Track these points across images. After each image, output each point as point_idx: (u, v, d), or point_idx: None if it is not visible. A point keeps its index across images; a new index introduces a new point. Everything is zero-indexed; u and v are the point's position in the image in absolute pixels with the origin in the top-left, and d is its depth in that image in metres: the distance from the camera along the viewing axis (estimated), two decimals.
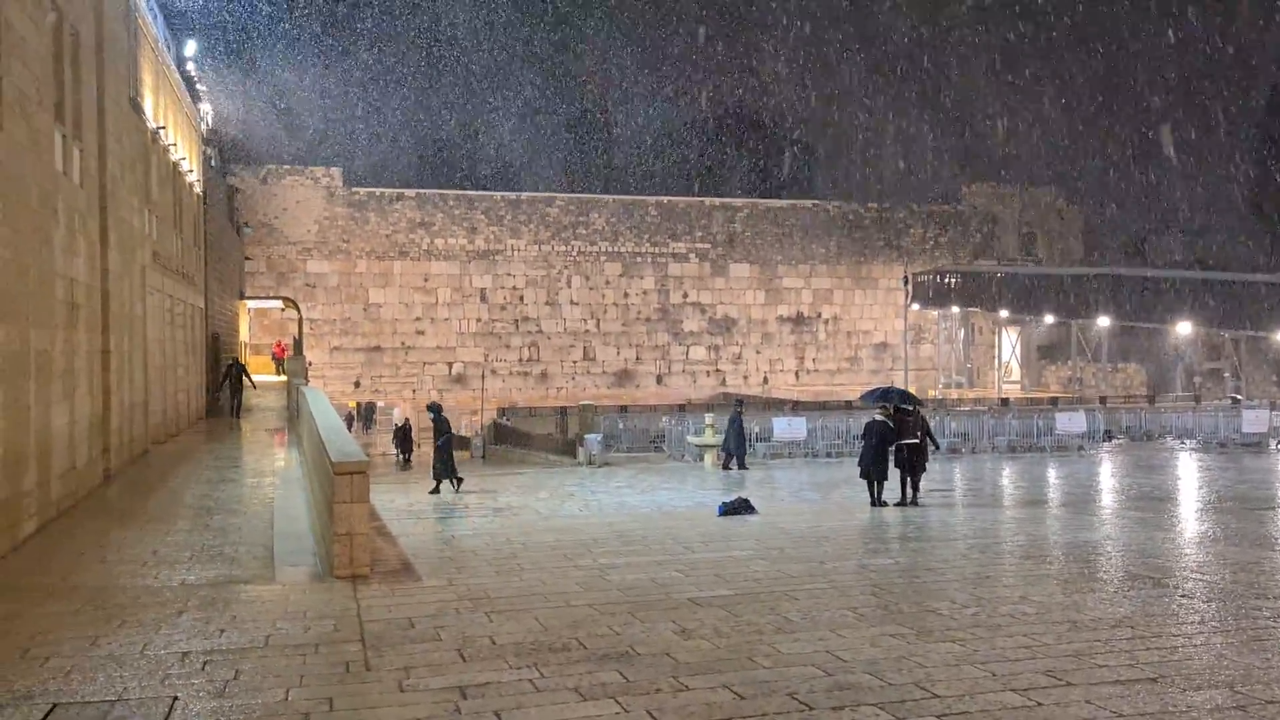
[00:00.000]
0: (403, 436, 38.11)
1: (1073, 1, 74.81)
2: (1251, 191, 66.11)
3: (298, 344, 44.41)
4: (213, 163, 36.41)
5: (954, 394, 56.12)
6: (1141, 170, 67.51)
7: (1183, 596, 9.28)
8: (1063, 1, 73.90)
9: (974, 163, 66.63)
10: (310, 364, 45.00)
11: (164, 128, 23.94)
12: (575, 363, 57.23)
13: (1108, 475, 24.24)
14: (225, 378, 30.35)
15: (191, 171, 28.84)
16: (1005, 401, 45.85)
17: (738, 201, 61.00)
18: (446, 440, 22.26)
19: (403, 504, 20.03)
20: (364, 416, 51.12)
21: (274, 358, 45.25)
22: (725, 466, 26.14)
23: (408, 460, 38.24)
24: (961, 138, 70.66)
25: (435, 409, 22.84)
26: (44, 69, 12.91)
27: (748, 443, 27.19)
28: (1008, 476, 24.17)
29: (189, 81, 30.10)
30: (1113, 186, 67.88)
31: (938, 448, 19.39)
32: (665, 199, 59.91)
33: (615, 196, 59.55)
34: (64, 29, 14.09)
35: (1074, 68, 72.36)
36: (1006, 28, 73.47)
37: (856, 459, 18.53)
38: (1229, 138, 69.35)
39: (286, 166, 54.09)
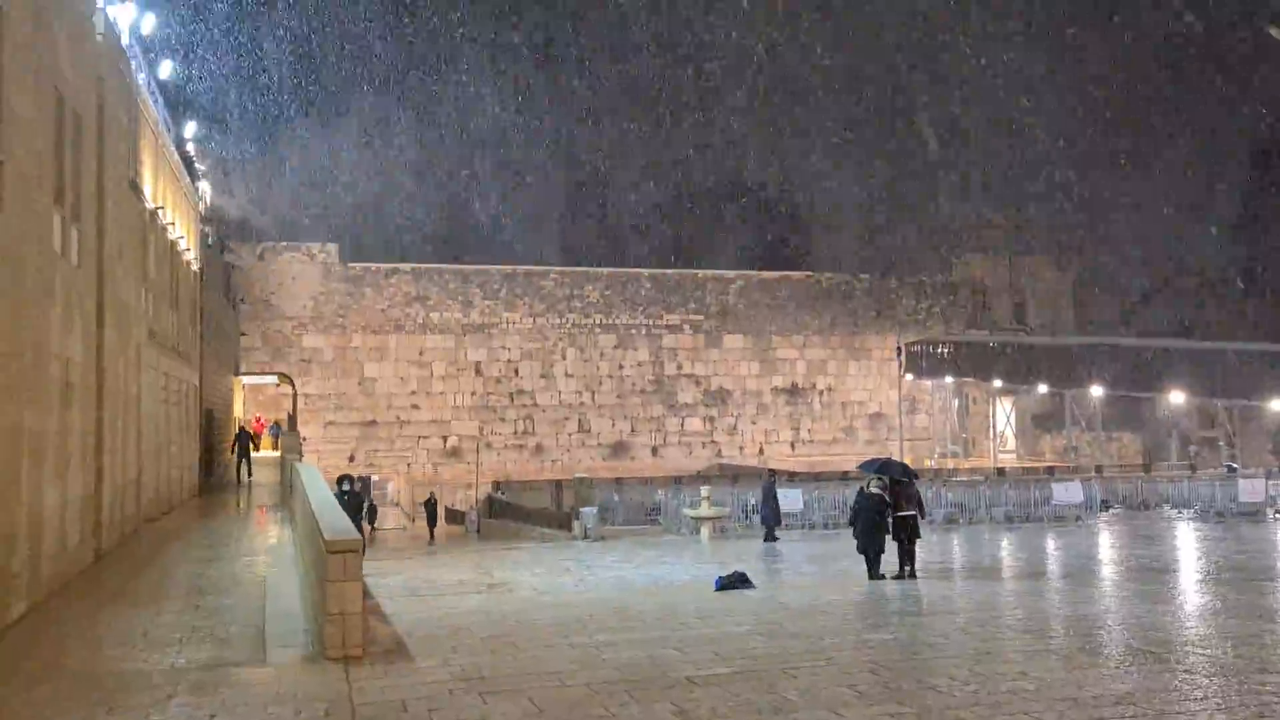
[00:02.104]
0: (431, 511, 39.79)
1: (1055, 77, 76.26)
2: (1240, 259, 66.84)
3: (292, 420, 44.31)
4: (210, 240, 36.73)
5: (950, 464, 56.00)
6: (1130, 239, 68.25)
7: (1185, 672, 9.19)
8: (1045, 77, 75.36)
9: (964, 233, 67.20)
10: (305, 439, 44.90)
11: (162, 207, 24.20)
12: (570, 435, 57.13)
13: (1106, 546, 24.11)
14: (235, 444, 33.49)
15: (189, 250, 29.08)
16: (1001, 471, 45.78)
17: (730, 273, 61.48)
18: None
19: (397, 581, 19.82)
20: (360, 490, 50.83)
21: (236, 435, 44.48)
22: (766, 540, 25.76)
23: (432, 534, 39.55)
24: (951, 209, 71.43)
25: (346, 481, 21.08)
26: (45, 151, 13.10)
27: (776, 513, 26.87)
28: (1006, 548, 24.03)
29: (188, 161, 30.50)
30: (1101, 255, 68.53)
31: (924, 518, 19.28)
32: (659, 272, 60.38)
33: (609, 269, 60.02)
34: (66, 112, 14.32)
35: (1060, 140, 73.57)
36: (995, 104, 74.87)
37: (851, 531, 18.38)
38: (1215, 205, 70.27)
39: (284, 243, 54.50)
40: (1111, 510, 32.81)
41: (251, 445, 34.92)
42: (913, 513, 17.59)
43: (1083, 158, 72.49)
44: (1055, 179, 68.43)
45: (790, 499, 29.69)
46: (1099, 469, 45.02)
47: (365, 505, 21.49)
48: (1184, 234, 67.18)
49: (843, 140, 75.54)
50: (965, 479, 41.48)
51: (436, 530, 41.13)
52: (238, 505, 27.92)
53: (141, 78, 22.19)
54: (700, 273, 60.98)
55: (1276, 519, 29.99)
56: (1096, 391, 51.32)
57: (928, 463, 55.79)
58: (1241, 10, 67.12)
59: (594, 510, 30.25)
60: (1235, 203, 70.79)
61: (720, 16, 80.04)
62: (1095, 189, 71.01)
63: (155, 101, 24.36)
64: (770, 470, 30.12)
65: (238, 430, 36.08)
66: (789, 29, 78.75)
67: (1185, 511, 32.19)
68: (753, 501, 30.09)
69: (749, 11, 77.27)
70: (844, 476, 40.19)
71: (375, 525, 45.05)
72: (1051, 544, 24.41)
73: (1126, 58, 74.39)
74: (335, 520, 11.53)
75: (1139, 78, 74.61)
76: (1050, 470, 45.71)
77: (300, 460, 26.39)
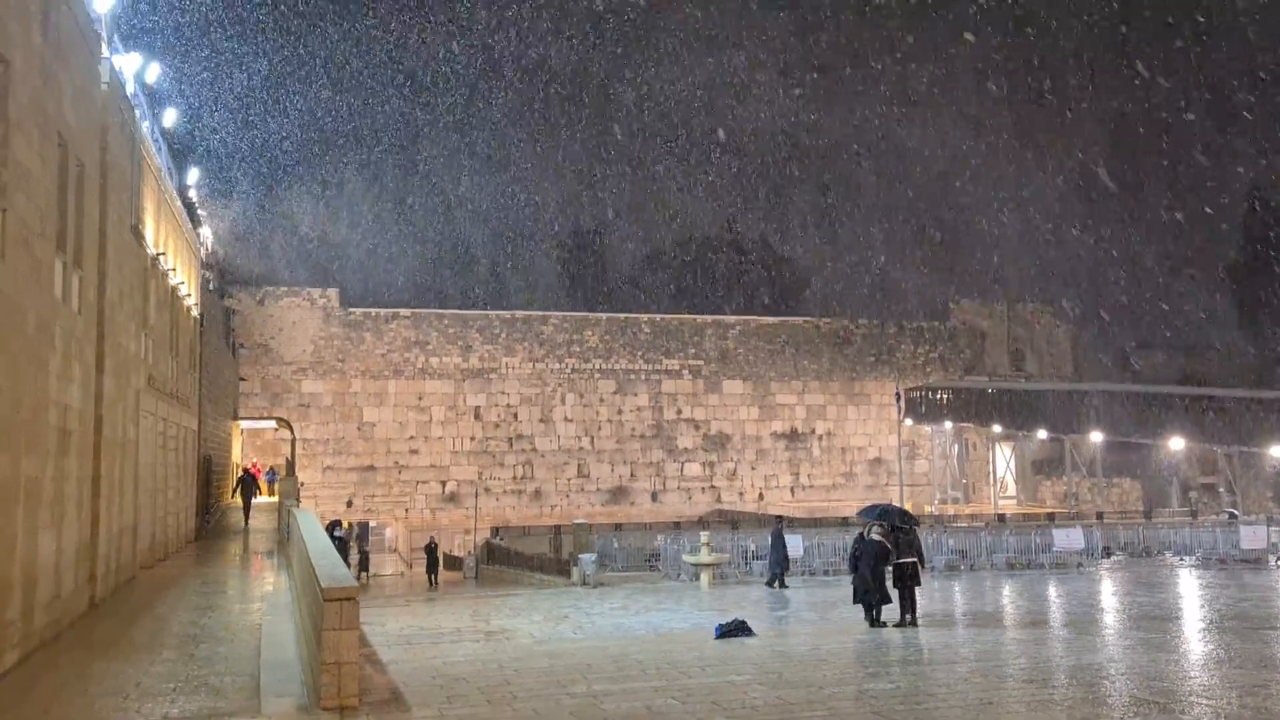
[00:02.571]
0: (431, 556, 39.71)
1: (1051, 129, 77.11)
2: (1237, 305, 67.08)
3: (290, 465, 44.11)
4: (211, 286, 36.89)
5: (950, 510, 55.79)
6: (1127, 286, 68.60)
7: None
8: (1042, 125, 76.17)
9: (961, 279, 67.73)
10: (302, 484, 44.70)
11: (163, 253, 24.32)
12: (569, 480, 56.95)
13: (1108, 593, 23.94)
14: (239, 484, 34.84)
15: (189, 295, 29.17)
16: (1002, 518, 45.53)
17: (729, 318, 61.68)
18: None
19: (394, 628, 19.65)
20: (358, 536, 50.56)
21: (240, 478, 44.18)
22: (769, 584, 25.91)
23: (434, 581, 39.46)
24: (948, 255, 71.91)
25: (336, 527, 21.22)
26: (48, 200, 13.19)
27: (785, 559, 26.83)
28: (1007, 595, 23.85)
29: (190, 207, 30.70)
30: (1099, 302, 68.90)
31: (924, 566, 19.16)
32: (658, 316, 60.59)
33: (608, 314, 60.23)
34: (69, 161, 14.44)
35: (1057, 186, 74.22)
36: (989, 149, 75.66)
37: (850, 577, 18.24)
38: (1211, 253, 70.71)
39: (284, 288, 54.72)
40: (1113, 557, 32.60)
41: (255, 489, 35.30)
42: (913, 560, 17.49)
43: (1079, 206, 73.05)
44: (1052, 228, 68.93)
45: (790, 545, 29.51)
46: (1100, 515, 44.80)
47: (359, 553, 21.39)
48: (1181, 281, 67.54)
49: (838, 195, 76.20)
50: (966, 525, 41.28)
51: (437, 576, 40.92)
52: (235, 552, 27.74)
53: (145, 125, 22.41)
54: (699, 318, 61.17)
55: (1279, 566, 29.80)
56: (1096, 437, 51.25)
57: (928, 509, 55.57)
58: (1235, 65, 67.99)
59: (593, 557, 30.05)
60: (1231, 250, 71.25)
61: (717, 73, 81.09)
62: (1092, 237, 71.48)
63: (158, 149, 24.56)
64: (779, 517, 30.08)
65: (241, 473, 36.43)
66: (783, 85, 79.72)
67: (1187, 558, 31.99)
68: (753, 547, 29.97)
69: (746, 70, 78.29)
70: (844, 522, 39.97)
71: (372, 572, 44.74)
72: (1053, 591, 24.23)
73: (1122, 106, 75.23)
74: (332, 567, 11.45)
75: (1135, 127, 75.38)
76: (1051, 516, 45.48)
77: (298, 506, 26.27)
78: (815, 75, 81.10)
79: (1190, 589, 24.43)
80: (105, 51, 17.50)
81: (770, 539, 26.80)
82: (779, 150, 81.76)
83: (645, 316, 60.38)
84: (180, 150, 30.26)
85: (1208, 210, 71.60)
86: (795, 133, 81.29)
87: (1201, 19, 69.14)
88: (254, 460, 49.37)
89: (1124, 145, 76.42)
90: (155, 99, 25.07)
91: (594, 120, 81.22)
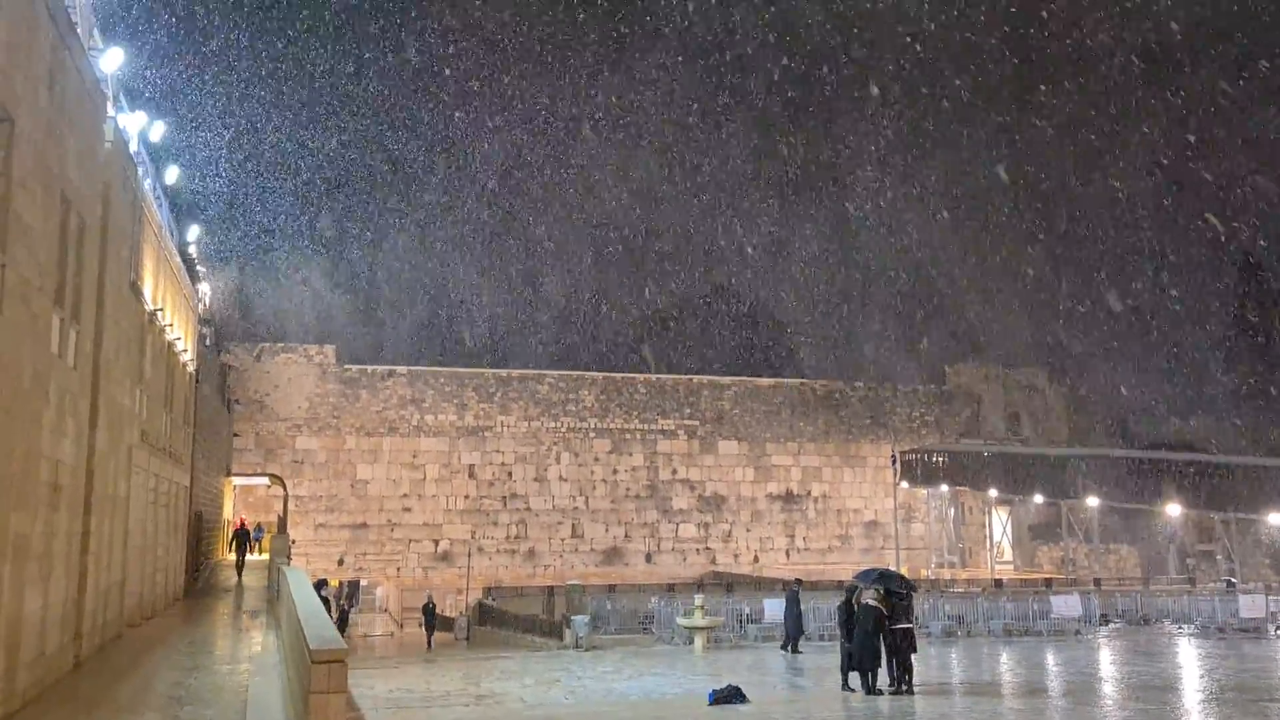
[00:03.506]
0: (429, 615, 39.42)
1: (1045, 199, 78.06)
2: (1230, 374, 67.29)
3: (281, 522, 43.79)
4: (208, 341, 36.92)
5: (947, 574, 55.36)
6: (1122, 352, 68.89)
7: None
8: (1035, 197, 77.13)
9: (957, 342, 67.99)
10: (294, 542, 44.30)
11: (161, 309, 24.38)
12: (563, 540, 56.53)
13: (1107, 662, 23.68)
14: (234, 539, 35.11)
15: (186, 351, 29.17)
16: (999, 583, 45.19)
17: (725, 379, 61.71)
18: None
19: (383, 691, 19.36)
20: (348, 595, 50.07)
21: (235, 533, 42.96)
22: (784, 648, 25.64)
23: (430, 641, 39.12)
24: (944, 318, 72.33)
25: (323, 587, 21.14)
26: (48, 255, 13.25)
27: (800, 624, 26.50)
28: (1005, 662, 23.59)
29: (189, 263, 30.85)
30: (1093, 367, 69.11)
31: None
32: (653, 376, 60.61)
33: (604, 374, 60.24)
34: (71, 218, 14.53)
35: (1051, 252, 74.97)
36: (984, 216, 76.52)
37: (840, 644, 18.01)
38: (1204, 321, 71.13)
39: (281, 344, 54.75)
40: (1111, 624, 32.31)
41: (249, 546, 35.49)
42: (910, 625, 17.32)
43: (1074, 270, 73.67)
44: (1046, 292, 69.45)
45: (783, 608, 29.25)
46: (1097, 582, 44.49)
47: (339, 611, 21.10)
48: (1176, 345, 67.85)
49: (833, 258, 76.87)
50: (962, 590, 40.99)
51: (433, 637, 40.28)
52: (223, 610, 27.40)
53: (148, 182, 22.60)
54: (695, 378, 61.20)
55: (1278, 636, 29.53)
56: (1092, 503, 51.07)
57: (924, 573, 55.16)
58: (1230, 122, 69.06)
59: (586, 619, 29.75)
60: (1226, 315, 71.68)
61: (712, 132, 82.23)
62: (1086, 301, 71.94)
63: (159, 205, 24.76)
64: (797, 580, 29.94)
65: (237, 527, 36.38)
66: (776, 145, 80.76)
67: (1186, 627, 31.71)
68: (748, 611, 29.73)
69: (740, 132, 79.42)
70: (840, 585, 39.59)
71: (361, 632, 44.19)
72: (1051, 659, 23.97)
73: (1116, 167, 76.22)
74: (321, 628, 11.31)
75: (1130, 190, 76.30)
76: (1048, 582, 45.17)
77: (289, 564, 26.01)
78: (805, 146, 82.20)
79: (1189, 659, 24.17)
80: (111, 110, 17.71)
81: (785, 602, 26.55)
82: (772, 212, 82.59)
83: (641, 376, 60.42)
84: (182, 206, 30.47)
85: (1203, 277, 72.24)
86: (789, 197, 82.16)
87: (1197, 83, 70.35)
88: (241, 517, 48.99)
89: (1118, 217, 77.33)
90: (159, 155, 25.32)
91: (592, 174, 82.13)
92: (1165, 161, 73.39)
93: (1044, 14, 73.49)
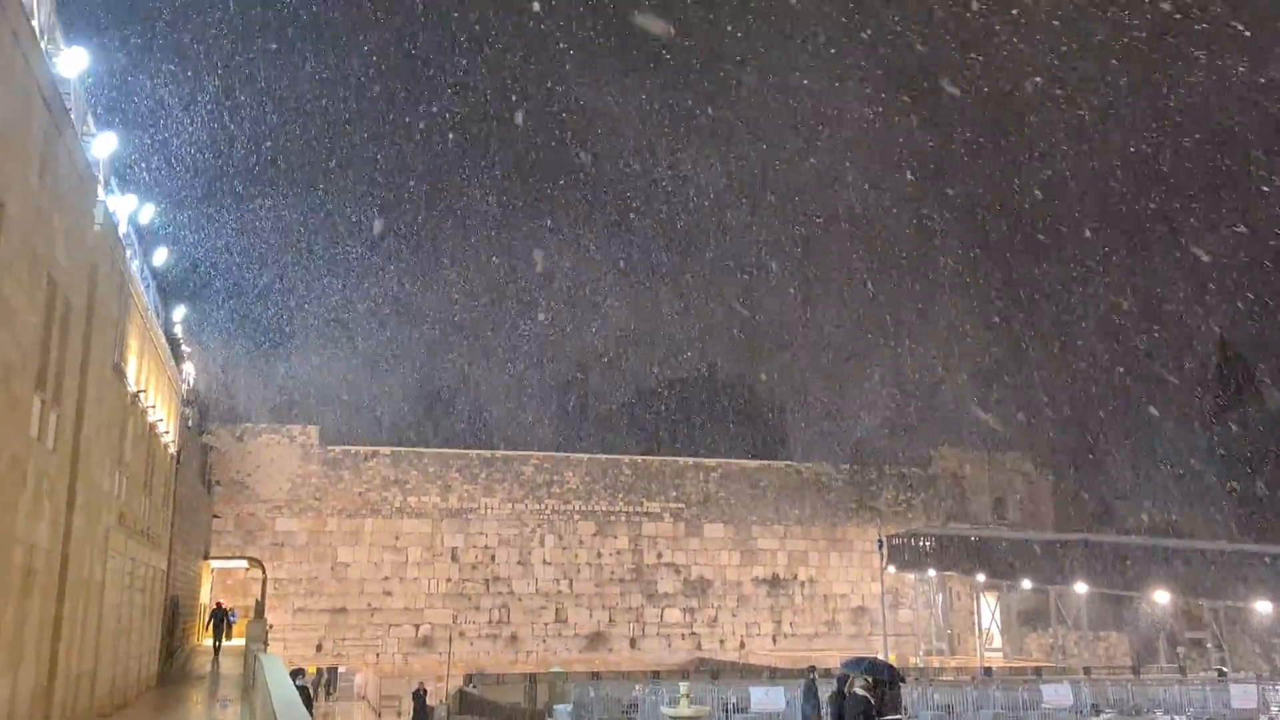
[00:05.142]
0: (420, 703, 38.60)
1: (1023, 291, 79.16)
2: (1215, 460, 67.49)
3: (259, 606, 42.99)
4: (190, 423, 36.68)
5: (935, 662, 54.61)
6: (1107, 439, 69.14)
7: None
8: (1016, 287, 78.21)
9: (941, 426, 68.11)
10: (271, 626, 43.50)
11: (144, 391, 24.24)
12: (547, 625, 55.66)
13: None
14: (211, 618, 35.42)
15: (168, 432, 28.94)
16: (988, 671, 44.55)
17: (710, 461, 61.49)
18: None
19: None
20: (326, 682, 48.88)
21: (213, 613, 41.59)
22: None
23: None
24: (928, 401, 72.62)
25: (299, 675, 20.61)
26: (32, 338, 13.20)
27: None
28: None
29: (174, 343, 30.79)
30: (1078, 454, 69.27)
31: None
32: (639, 458, 60.37)
33: (589, 455, 59.98)
34: (57, 299, 14.52)
35: (1031, 343, 75.76)
36: (968, 304, 77.40)
37: None
38: (1189, 404, 71.60)
39: (264, 425, 54.36)
40: (1102, 715, 31.80)
41: (226, 627, 35.30)
42: (899, 717, 16.99)
43: (1058, 359, 74.32)
44: (1030, 377, 69.91)
45: (772, 698, 28.76)
46: (1087, 670, 43.96)
47: (305, 698, 20.35)
48: (1159, 430, 68.12)
49: (818, 340, 77.44)
50: (951, 679, 40.41)
51: None
52: (197, 699, 26.72)
53: (135, 264, 22.66)
54: (680, 460, 60.98)
55: None
56: (1080, 589, 50.70)
57: (913, 660, 54.43)
58: (1207, 204, 70.41)
59: (568, 708, 29.17)
60: (1206, 399, 72.15)
61: (700, 213, 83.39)
62: (1071, 387, 72.41)
63: (146, 287, 24.79)
64: (811, 668, 29.42)
65: (214, 608, 36.23)
66: (769, 229, 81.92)
67: (1178, 717, 31.24)
68: (734, 700, 29.21)
69: (730, 214, 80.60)
70: (827, 674, 38.96)
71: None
72: None
73: (1096, 254, 77.37)
74: None
75: (1108, 273, 77.38)
76: (1038, 670, 44.58)
77: (265, 650, 25.48)
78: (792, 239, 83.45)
79: None
80: (101, 194, 17.82)
81: (802, 691, 25.96)
82: (759, 296, 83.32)
83: (626, 458, 60.17)
84: (168, 287, 30.52)
85: (1185, 364, 72.88)
86: (778, 284, 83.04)
87: (1164, 163, 71.90)
88: (218, 601, 48.15)
89: (1094, 306, 78.37)
90: (147, 237, 25.43)
91: (574, 269, 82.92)
92: (1144, 248, 74.64)
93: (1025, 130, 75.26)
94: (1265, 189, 65.87)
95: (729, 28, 76.77)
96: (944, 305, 78.64)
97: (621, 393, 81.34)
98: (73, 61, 15.38)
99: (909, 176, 78.26)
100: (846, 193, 79.55)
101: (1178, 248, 71.54)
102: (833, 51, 72.52)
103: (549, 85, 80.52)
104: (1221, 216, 70.64)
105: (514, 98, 79.64)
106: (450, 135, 78.83)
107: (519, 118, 77.59)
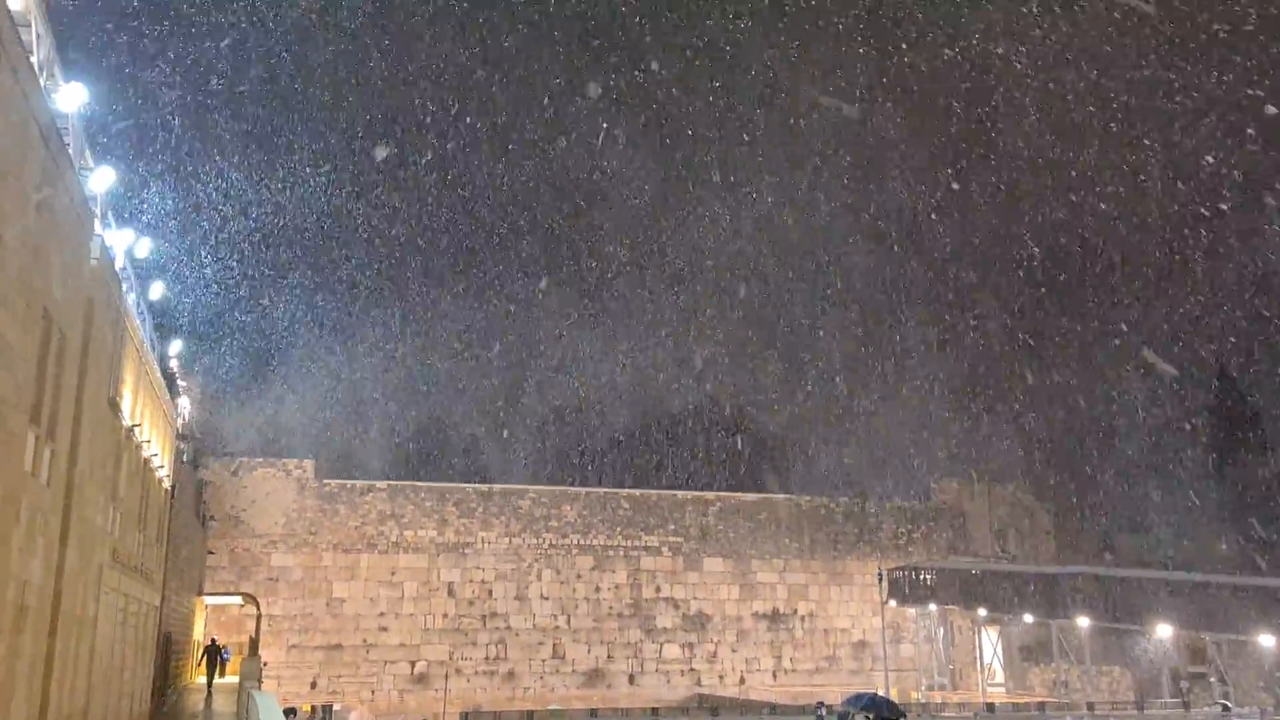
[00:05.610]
0: None
1: (1024, 321, 79.24)
2: (1216, 493, 67.22)
3: (253, 643, 42.54)
4: (185, 457, 36.45)
5: (937, 697, 54.06)
6: (1107, 472, 68.91)
7: None
8: (1017, 319, 78.27)
9: (942, 458, 67.82)
10: (265, 664, 42.99)
11: (139, 425, 24.08)
12: (544, 661, 55.08)
13: None
14: (204, 654, 34.48)
15: (162, 467, 28.74)
16: (991, 707, 44.11)
17: (709, 495, 61.17)
18: None
19: None
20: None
21: (206, 649, 40.73)
22: None
23: None
24: (928, 433, 72.35)
25: (289, 714, 20.78)
26: (27, 373, 13.09)
27: None
28: None
29: (170, 378, 30.65)
30: (1079, 486, 68.96)
31: None
32: (637, 492, 60.01)
33: (587, 489, 59.63)
34: (52, 333, 14.42)
35: (1033, 374, 75.70)
36: (962, 337, 77.47)
37: None
38: (1187, 437, 71.44)
39: (259, 459, 54.03)
40: None
41: (219, 664, 35.50)
42: None
43: (1055, 388, 74.15)
44: (1030, 409, 69.77)
45: None
46: (1090, 706, 43.52)
47: None
48: (1160, 463, 67.93)
49: (819, 374, 77.34)
50: (954, 715, 39.96)
51: None
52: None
53: (131, 298, 22.58)
54: (679, 493, 60.65)
55: None
56: (1083, 622, 50.29)
57: (914, 695, 53.89)
58: (1207, 234, 70.58)
59: None
60: (1207, 431, 72.01)
61: (696, 240, 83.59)
62: (1070, 417, 72.26)
63: (142, 321, 24.70)
64: (820, 703, 29.18)
65: (208, 644, 35.72)
66: (766, 252, 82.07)
67: None
68: None
69: (728, 242, 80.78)
70: (829, 710, 38.55)
71: None
72: None
73: (1096, 283, 77.56)
74: None
75: (1109, 303, 77.49)
76: (1041, 706, 44.17)
77: (259, 688, 25.15)
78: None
79: None
80: (97, 228, 17.78)
81: None
82: (760, 329, 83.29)
83: (624, 492, 59.83)
84: (164, 321, 30.43)
85: (1186, 397, 72.81)
86: (778, 313, 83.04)
87: (1172, 205, 72.24)
88: (211, 637, 47.67)
89: (1100, 318, 78.34)
90: (143, 272, 25.38)
91: (574, 296, 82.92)
92: (1141, 286, 74.83)
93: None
94: (1266, 227, 66.16)
95: (726, 100, 77.72)
96: (947, 337, 78.67)
97: (618, 426, 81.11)
98: (71, 96, 15.40)
99: (909, 210, 78.58)
100: (846, 223, 79.83)
101: (1180, 279, 71.75)
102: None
103: (546, 117, 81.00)
104: (1230, 249, 70.91)
105: (505, 136, 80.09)
106: (448, 173, 79.13)
107: (512, 155, 77.95)
